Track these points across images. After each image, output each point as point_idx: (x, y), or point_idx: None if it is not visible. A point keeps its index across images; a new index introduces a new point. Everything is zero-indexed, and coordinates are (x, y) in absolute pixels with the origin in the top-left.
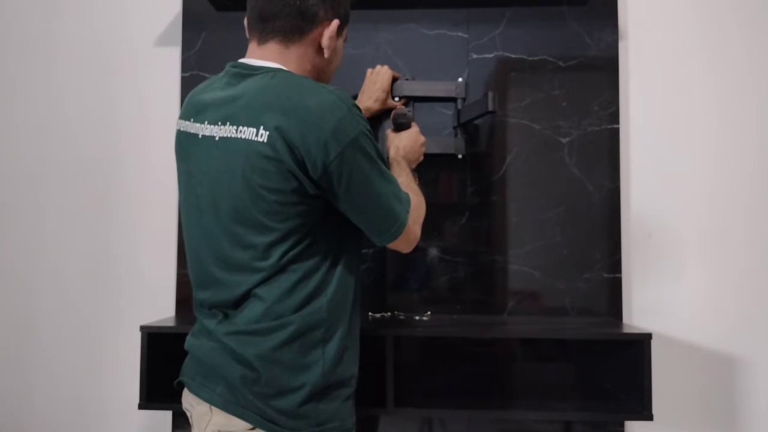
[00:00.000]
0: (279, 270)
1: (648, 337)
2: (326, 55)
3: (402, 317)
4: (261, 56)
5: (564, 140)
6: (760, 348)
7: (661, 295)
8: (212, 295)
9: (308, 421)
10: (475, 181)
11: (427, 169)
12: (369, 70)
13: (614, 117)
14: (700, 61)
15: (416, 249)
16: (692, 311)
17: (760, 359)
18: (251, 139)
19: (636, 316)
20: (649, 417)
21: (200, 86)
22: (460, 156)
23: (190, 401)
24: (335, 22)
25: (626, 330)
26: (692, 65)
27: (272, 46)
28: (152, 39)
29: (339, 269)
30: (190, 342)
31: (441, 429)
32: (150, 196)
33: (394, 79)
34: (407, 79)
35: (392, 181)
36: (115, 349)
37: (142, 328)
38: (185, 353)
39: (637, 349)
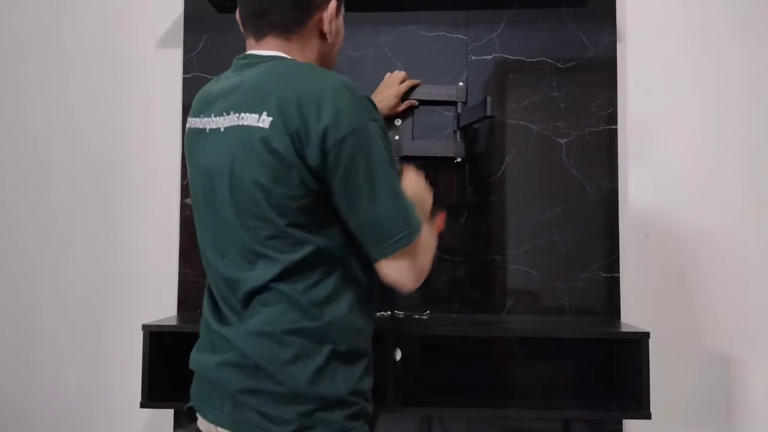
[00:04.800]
0: (292, 269)
1: (646, 335)
2: (329, 39)
3: (401, 316)
4: (262, 48)
5: (562, 141)
6: (758, 347)
7: (659, 295)
8: (224, 296)
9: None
10: (474, 181)
11: (426, 169)
12: (387, 74)
13: (612, 118)
14: (697, 63)
15: None
16: (689, 310)
17: (757, 358)
18: (253, 126)
19: (634, 315)
20: (646, 415)
21: (209, 82)
22: (459, 159)
23: (199, 426)
24: (333, 4)
25: (624, 329)
26: (689, 67)
27: (272, 40)
28: (154, 41)
29: (352, 274)
30: (194, 359)
31: (440, 427)
32: (152, 197)
33: (413, 87)
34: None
35: (401, 189)
36: (117, 347)
37: (145, 327)
38: (187, 352)
39: (635, 347)
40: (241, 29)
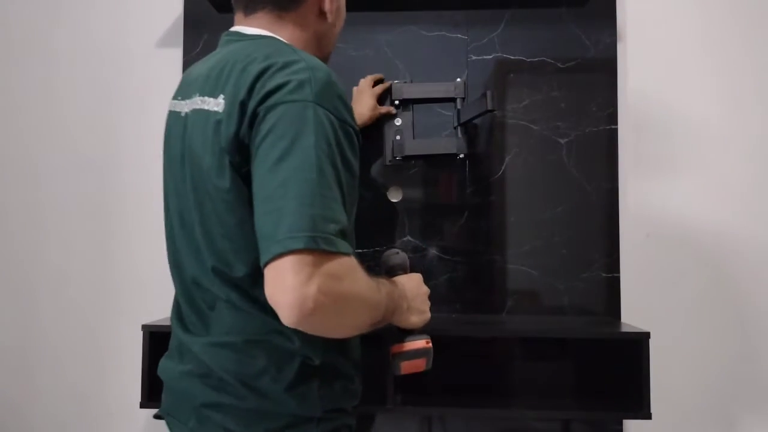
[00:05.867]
0: (252, 274)
1: (646, 336)
2: (329, 19)
3: None
4: (250, 25)
5: (562, 141)
6: (758, 346)
7: (659, 294)
8: (188, 299)
9: None
10: (474, 181)
11: (427, 169)
12: (354, 87)
13: (612, 118)
14: (698, 63)
15: (416, 249)
16: (690, 310)
17: (757, 358)
18: (210, 110)
19: (634, 315)
20: (647, 416)
21: (197, 62)
22: (461, 155)
23: None
24: None
25: (624, 329)
26: (690, 66)
27: (262, 16)
28: (153, 41)
29: None
30: (161, 366)
31: (440, 427)
32: (150, 196)
33: (386, 85)
34: (405, 82)
35: (323, 192)
36: (116, 348)
37: (144, 327)
38: None
39: (636, 347)
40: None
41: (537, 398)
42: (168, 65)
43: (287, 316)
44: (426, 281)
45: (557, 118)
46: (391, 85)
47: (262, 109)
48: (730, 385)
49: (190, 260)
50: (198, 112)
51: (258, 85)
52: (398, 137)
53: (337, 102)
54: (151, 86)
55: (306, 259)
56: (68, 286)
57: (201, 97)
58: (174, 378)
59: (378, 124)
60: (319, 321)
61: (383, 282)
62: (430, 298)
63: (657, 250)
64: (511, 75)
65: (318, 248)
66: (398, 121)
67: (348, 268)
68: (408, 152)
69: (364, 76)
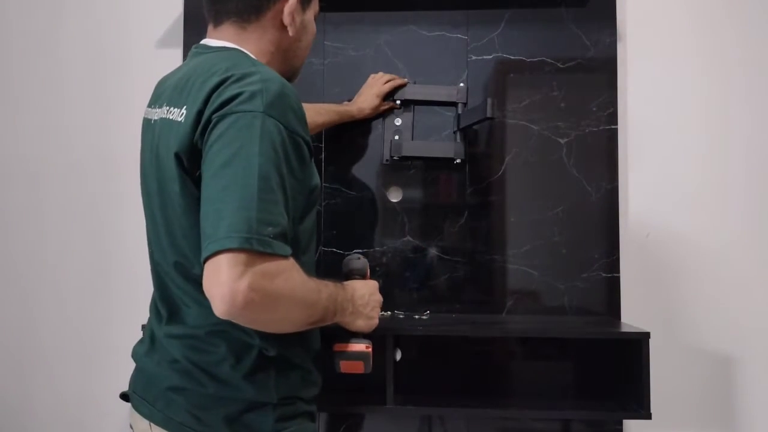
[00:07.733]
0: None
1: (646, 336)
2: (291, 33)
3: (402, 316)
4: (218, 37)
5: (562, 141)
6: (758, 347)
7: (659, 294)
8: (158, 290)
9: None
10: (474, 181)
11: (427, 169)
12: (371, 75)
13: (612, 118)
14: (698, 63)
15: (416, 249)
16: (690, 310)
17: (757, 358)
18: (174, 120)
19: (634, 315)
20: (647, 416)
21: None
22: (458, 161)
23: (132, 418)
24: None
25: (624, 329)
26: (690, 67)
27: (227, 28)
28: (154, 41)
29: None
30: (134, 349)
31: (440, 427)
32: None
33: (400, 86)
34: (409, 83)
35: (262, 195)
36: (115, 348)
37: (144, 327)
38: None
39: (636, 347)
40: (205, 12)
41: (537, 398)
42: (168, 65)
43: (219, 308)
44: (426, 281)
45: (557, 118)
46: (400, 84)
47: (215, 117)
48: (729, 385)
49: (159, 256)
50: (165, 121)
51: (214, 96)
52: (397, 137)
53: (288, 113)
54: (151, 86)
55: (240, 257)
56: (67, 285)
57: (168, 107)
58: (144, 361)
59: (377, 124)
60: (250, 315)
61: (327, 284)
62: (430, 297)
63: (657, 250)
64: (511, 75)
65: (252, 248)
66: (398, 121)
67: (282, 268)
68: (405, 153)
69: (363, 76)
